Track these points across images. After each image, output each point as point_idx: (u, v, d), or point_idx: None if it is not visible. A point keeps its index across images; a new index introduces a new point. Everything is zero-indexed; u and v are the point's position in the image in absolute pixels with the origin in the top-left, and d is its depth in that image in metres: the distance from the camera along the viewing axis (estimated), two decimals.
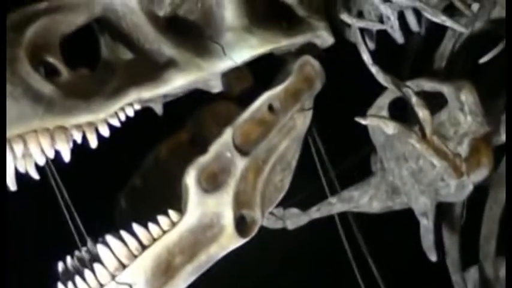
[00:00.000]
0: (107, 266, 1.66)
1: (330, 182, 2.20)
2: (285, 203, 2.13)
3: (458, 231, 2.25)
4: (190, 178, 1.73)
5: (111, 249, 1.67)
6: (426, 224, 2.08)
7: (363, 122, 1.86)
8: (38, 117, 1.55)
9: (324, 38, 1.92)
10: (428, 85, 1.93)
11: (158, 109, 1.84)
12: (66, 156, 1.61)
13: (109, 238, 1.68)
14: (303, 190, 2.23)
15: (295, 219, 2.16)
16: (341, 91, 2.24)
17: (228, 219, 1.77)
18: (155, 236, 1.70)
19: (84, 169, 2.08)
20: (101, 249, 1.68)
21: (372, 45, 2.04)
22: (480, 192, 2.11)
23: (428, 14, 1.92)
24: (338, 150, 2.19)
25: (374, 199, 2.10)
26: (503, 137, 1.96)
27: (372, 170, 2.16)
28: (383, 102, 1.99)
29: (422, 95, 1.88)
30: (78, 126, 1.61)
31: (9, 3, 1.64)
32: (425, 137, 1.85)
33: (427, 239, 2.14)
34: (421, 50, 2.18)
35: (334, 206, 2.15)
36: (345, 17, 1.93)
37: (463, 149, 1.89)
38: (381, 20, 2.01)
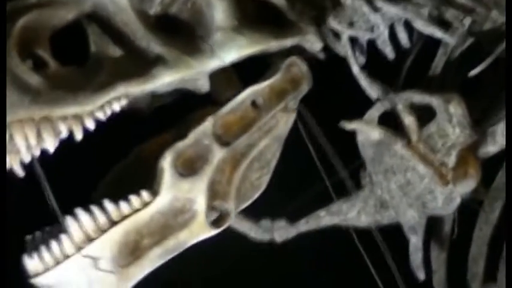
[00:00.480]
0: (74, 237, 1.66)
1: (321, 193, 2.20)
2: (274, 215, 2.13)
3: (446, 250, 2.23)
4: (166, 161, 1.74)
5: (79, 222, 1.67)
6: (415, 241, 2.07)
7: (348, 126, 1.87)
8: (24, 107, 1.56)
9: (313, 42, 1.93)
10: (417, 97, 1.93)
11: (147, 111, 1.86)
12: (51, 148, 1.62)
13: (78, 211, 1.68)
14: (293, 200, 2.23)
15: (283, 231, 2.14)
16: (331, 106, 2.24)
17: (200, 206, 1.78)
18: (125, 213, 1.70)
19: (67, 171, 2.08)
20: (69, 220, 1.67)
21: (362, 60, 2.05)
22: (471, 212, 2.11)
23: (418, 25, 1.93)
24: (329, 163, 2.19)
25: (362, 213, 2.08)
26: (490, 149, 1.95)
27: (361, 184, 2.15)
28: (373, 115, 2.00)
29: (413, 108, 1.89)
30: (64, 118, 1.61)
31: None
32: (411, 144, 1.86)
33: (416, 257, 2.12)
34: (413, 67, 2.19)
35: (322, 218, 2.13)
36: (334, 24, 1.94)
37: (451, 160, 1.89)
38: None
